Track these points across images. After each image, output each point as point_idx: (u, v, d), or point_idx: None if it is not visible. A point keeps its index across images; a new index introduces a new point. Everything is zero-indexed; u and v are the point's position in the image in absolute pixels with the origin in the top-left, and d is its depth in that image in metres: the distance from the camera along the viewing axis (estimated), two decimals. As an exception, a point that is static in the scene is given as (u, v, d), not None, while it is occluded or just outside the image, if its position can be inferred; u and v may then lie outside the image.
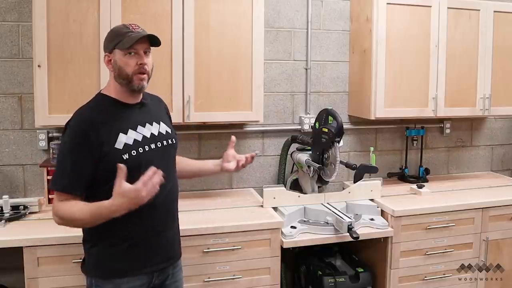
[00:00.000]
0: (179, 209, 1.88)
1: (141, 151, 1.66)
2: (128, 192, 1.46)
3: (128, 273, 1.68)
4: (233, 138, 1.99)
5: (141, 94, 1.76)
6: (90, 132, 1.58)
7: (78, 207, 1.56)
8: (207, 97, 2.54)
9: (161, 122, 1.79)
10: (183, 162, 2.04)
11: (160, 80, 2.41)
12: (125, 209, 1.49)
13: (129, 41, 1.61)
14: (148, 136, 1.71)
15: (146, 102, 1.77)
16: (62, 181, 1.59)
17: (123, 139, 1.63)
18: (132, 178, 1.57)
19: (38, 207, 2.42)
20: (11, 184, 2.66)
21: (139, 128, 1.69)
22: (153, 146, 1.71)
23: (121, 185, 1.46)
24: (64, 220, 1.58)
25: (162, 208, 1.72)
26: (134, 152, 1.64)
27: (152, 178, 1.48)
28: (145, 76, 1.67)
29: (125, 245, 1.67)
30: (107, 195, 1.54)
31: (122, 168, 1.46)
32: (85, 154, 1.58)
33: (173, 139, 1.82)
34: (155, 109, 1.82)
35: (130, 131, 1.66)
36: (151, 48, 1.71)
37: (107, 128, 1.62)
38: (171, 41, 2.45)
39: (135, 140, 1.66)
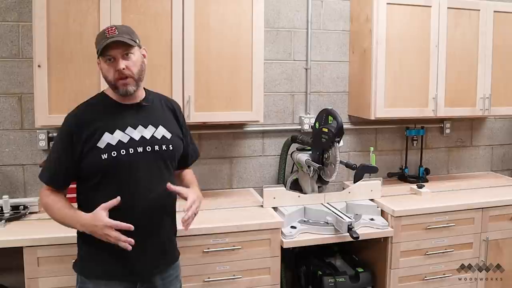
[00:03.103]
0: (177, 210, 1.84)
1: (123, 153, 1.63)
2: (99, 222, 1.55)
3: (109, 277, 1.68)
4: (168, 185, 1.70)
5: (142, 94, 1.75)
6: (74, 130, 1.64)
7: (57, 206, 1.66)
8: (207, 97, 2.54)
9: (160, 126, 1.74)
10: (180, 180, 1.94)
11: (160, 80, 2.41)
12: (88, 231, 1.59)
13: (100, 49, 1.62)
14: (137, 138, 1.67)
15: (146, 104, 1.74)
16: (45, 173, 1.70)
17: (107, 139, 1.63)
18: (108, 178, 1.63)
19: (38, 207, 2.42)
20: (11, 184, 2.66)
21: (129, 129, 1.67)
22: (140, 149, 1.66)
23: (100, 214, 1.55)
24: (45, 210, 1.71)
25: (144, 215, 1.66)
26: (114, 153, 1.62)
27: (121, 234, 1.54)
28: (127, 80, 1.65)
29: (106, 248, 1.63)
30: (90, 191, 1.65)
31: (114, 201, 1.56)
32: (66, 151, 1.64)
33: (170, 145, 1.74)
34: (157, 112, 1.77)
35: (117, 132, 1.65)
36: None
37: (94, 126, 1.64)
38: (171, 41, 2.44)
39: (119, 141, 1.64)
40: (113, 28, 1.64)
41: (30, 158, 2.67)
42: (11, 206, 2.36)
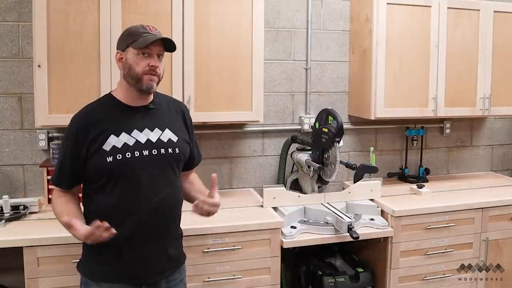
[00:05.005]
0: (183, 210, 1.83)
1: (128, 156, 1.62)
2: (79, 237, 1.50)
3: (112, 279, 1.66)
4: (214, 176, 1.72)
5: (150, 97, 1.73)
6: (80, 131, 1.62)
7: (60, 209, 1.64)
8: (207, 97, 2.54)
9: (166, 129, 1.72)
10: (189, 183, 1.93)
11: (160, 80, 2.41)
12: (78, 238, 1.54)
13: (144, 42, 1.60)
14: (143, 141, 1.66)
15: (154, 107, 1.73)
16: (54, 174, 1.71)
17: (112, 141, 1.62)
18: (113, 181, 1.62)
19: (38, 207, 2.42)
20: (11, 184, 2.66)
21: (135, 132, 1.66)
22: (145, 152, 1.65)
23: (76, 231, 1.50)
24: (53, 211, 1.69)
25: (149, 218, 1.65)
26: (119, 156, 1.61)
27: (101, 229, 1.47)
28: (155, 77, 1.65)
29: (110, 250, 1.63)
30: (96, 193, 1.64)
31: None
32: (72, 152, 1.64)
33: (176, 149, 1.72)
34: (164, 115, 1.76)
35: (123, 134, 1.64)
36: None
37: (101, 128, 1.62)
38: (171, 41, 2.45)
39: (125, 143, 1.63)
40: (153, 27, 1.67)
41: (30, 158, 2.67)
42: (11, 206, 2.35)
